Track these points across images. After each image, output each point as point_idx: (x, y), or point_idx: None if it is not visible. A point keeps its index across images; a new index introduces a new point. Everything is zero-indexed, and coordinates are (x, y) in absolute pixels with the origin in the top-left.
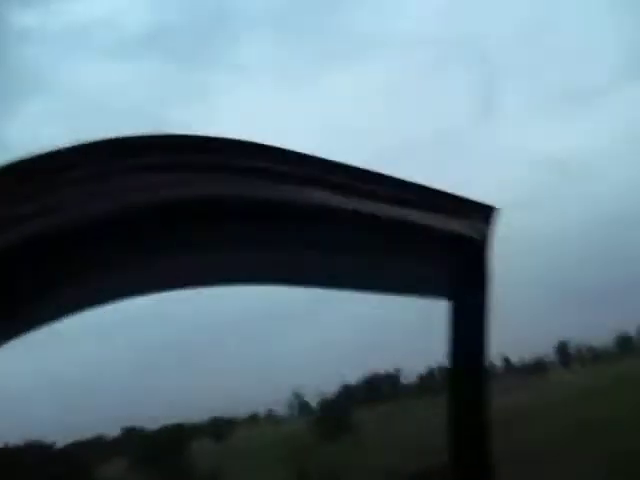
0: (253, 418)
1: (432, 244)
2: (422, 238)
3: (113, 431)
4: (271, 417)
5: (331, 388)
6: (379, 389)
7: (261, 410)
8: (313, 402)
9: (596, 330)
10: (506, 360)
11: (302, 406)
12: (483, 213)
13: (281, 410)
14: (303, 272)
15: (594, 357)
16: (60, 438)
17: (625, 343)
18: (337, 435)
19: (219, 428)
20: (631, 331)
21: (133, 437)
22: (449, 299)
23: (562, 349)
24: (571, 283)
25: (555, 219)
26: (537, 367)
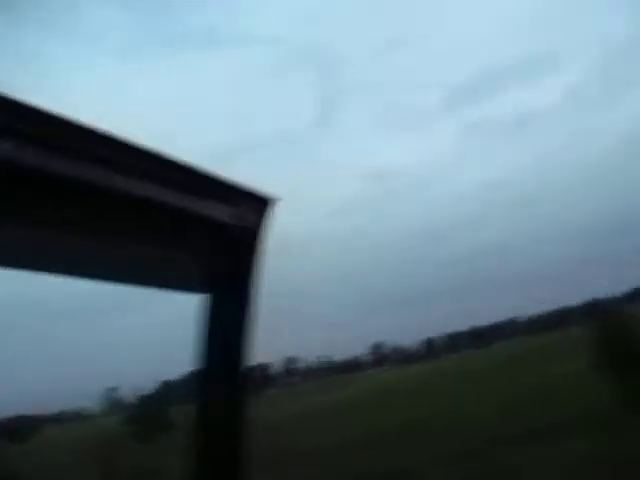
0: (62, 416)
1: (191, 230)
2: (179, 222)
3: None
4: (81, 415)
5: (149, 385)
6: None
7: (71, 407)
8: (129, 399)
9: (408, 333)
10: (323, 359)
11: (116, 403)
12: (255, 203)
13: (93, 407)
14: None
15: (405, 358)
16: None
17: (431, 346)
18: (152, 434)
19: (22, 428)
20: (437, 334)
21: None
22: (209, 292)
23: (377, 350)
24: (387, 288)
25: (376, 228)
26: (353, 366)
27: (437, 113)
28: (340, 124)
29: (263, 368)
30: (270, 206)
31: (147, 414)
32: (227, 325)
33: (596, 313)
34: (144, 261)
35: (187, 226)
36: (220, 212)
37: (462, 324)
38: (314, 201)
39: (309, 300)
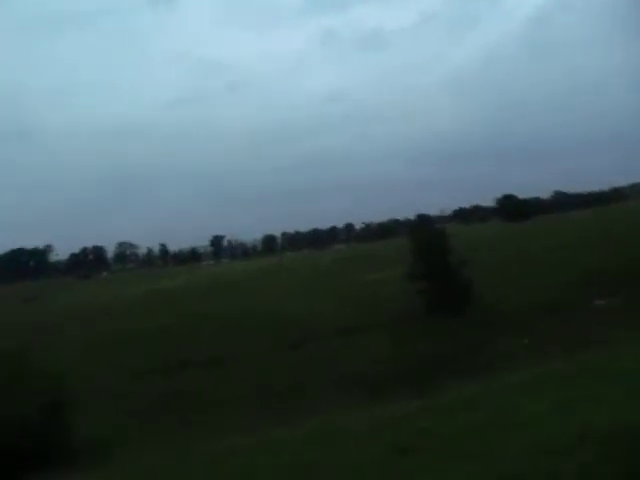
0: None
1: None
2: None
3: None
4: None
5: None
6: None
7: None
8: None
9: (248, 229)
10: (163, 247)
11: None
12: None
13: None
14: None
15: (244, 252)
16: None
17: (271, 243)
18: None
19: None
20: (276, 232)
21: None
22: None
23: (216, 243)
24: (226, 184)
25: (214, 122)
26: (190, 257)
27: (291, 15)
28: (183, 8)
29: (95, 250)
30: None
31: None
32: None
33: (419, 227)
34: None
35: None
36: None
37: (302, 225)
38: (150, 88)
39: (147, 187)
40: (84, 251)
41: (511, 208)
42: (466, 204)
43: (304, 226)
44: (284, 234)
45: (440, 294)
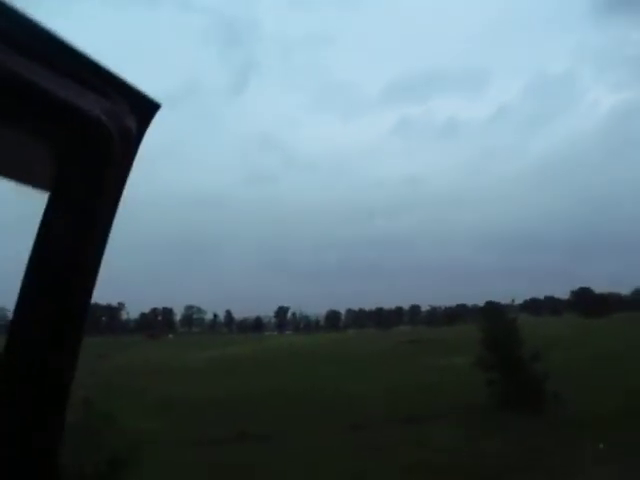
0: None
1: (49, 114)
2: (38, 102)
3: None
4: None
5: None
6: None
7: None
8: None
9: (313, 303)
10: (228, 313)
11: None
12: (138, 103)
13: None
14: None
15: (306, 325)
16: None
17: (334, 318)
18: None
19: None
20: (341, 308)
21: None
22: (51, 191)
23: (281, 314)
24: (294, 258)
25: (286, 200)
26: (255, 326)
27: (370, 103)
28: (265, 93)
29: (164, 312)
30: (153, 112)
31: None
32: (65, 240)
33: (490, 315)
34: None
35: (45, 109)
36: (91, 103)
37: (367, 303)
38: (229, 165)
39: (218, 255)
40: (154, 311)
41: (587, 302)
42: (538, 294)
43: (369, 304)
44: (348, 311)
45: (512, 387)
